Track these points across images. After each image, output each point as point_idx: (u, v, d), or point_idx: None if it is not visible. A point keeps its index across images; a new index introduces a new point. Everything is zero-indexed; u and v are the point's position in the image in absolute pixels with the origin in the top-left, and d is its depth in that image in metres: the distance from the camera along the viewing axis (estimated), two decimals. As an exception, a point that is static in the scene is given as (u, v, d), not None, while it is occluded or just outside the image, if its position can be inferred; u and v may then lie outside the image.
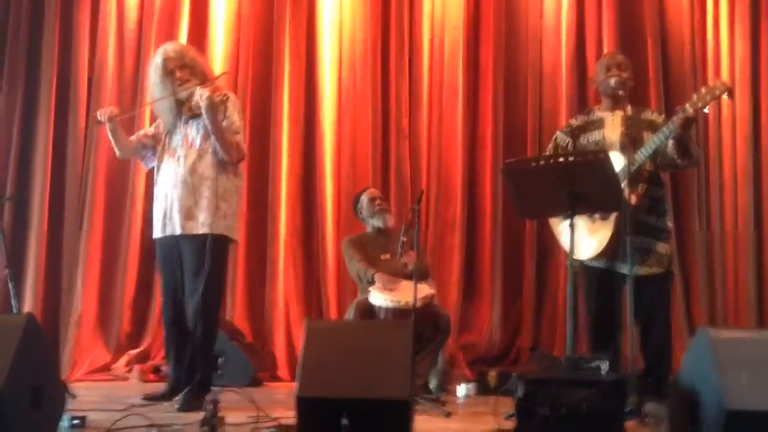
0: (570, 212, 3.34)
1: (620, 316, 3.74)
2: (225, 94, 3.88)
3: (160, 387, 4.15)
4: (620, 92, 3.78)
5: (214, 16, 5.99)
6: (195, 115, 3.87)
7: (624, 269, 3.64)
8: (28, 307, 5.49)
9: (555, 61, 5.87)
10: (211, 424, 2.91)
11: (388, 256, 4.65)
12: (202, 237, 3.77)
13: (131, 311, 5.68)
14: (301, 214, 5.87)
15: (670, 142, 3.60)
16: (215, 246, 3.76)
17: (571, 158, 3.40)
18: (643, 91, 5.54)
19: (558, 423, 2.66)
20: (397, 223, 5.22)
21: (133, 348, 5.57)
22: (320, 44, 5.96)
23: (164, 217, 3.89)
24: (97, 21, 5.92)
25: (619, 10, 5.79)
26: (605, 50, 5.61)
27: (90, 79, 5.89)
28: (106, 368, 5.49)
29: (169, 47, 4.00)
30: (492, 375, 4.81)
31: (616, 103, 3.88)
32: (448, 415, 3.67)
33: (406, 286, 4.28)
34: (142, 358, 5.51)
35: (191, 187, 3.82)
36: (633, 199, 3.61)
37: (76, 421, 3.04)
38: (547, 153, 4.12)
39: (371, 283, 4.44)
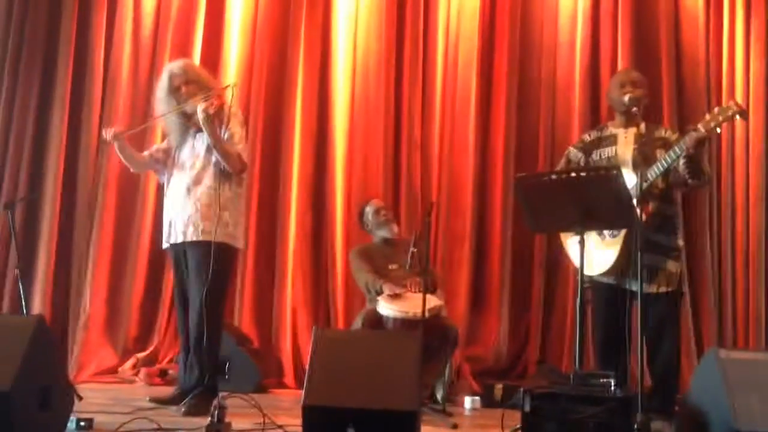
0: (581, 227, 3.33)
1: (629, 333, 3.72)
2: (220, 105, 3.95)
3: (168, 390, 4.17)
4: (634, 109, 3.77)
5: (229, 24, 6.02)
6: (201, 129, 3.95)
7: (633, 286, 3.63)
8: (36, 308, 5.52)
9: (569, 76, 5.87)
10: (217, 429, 2.92)
11: (395, 266, 4.66)
12: (205, 245, 3.84)
13: (139, 314, 5.70)
14: (311, 221, 5.88)
15: (681, 162, 3.58)
16: (217, 253, 3.82)
17: (583, 173, 3.39)
18: (657, 108, 5.53)
19: (565, 439, 2.65)
20: (405, 233, 5.24)
21: (140, 351, 5.59)
22: (334, 53, 5.99)
23: (170, 226, 3.99)
24: (113, 26, 5.95)
25: (634, 26, 5.79)
26: (619, 66, 5.62)
27: (104, 84, 5.92)
28: (113, 371, 5.50)
29: (173, 65, 4.12)
30: (498, 388, 4.80)
31: (629, 120, 3.87)
32: (454, 426, 3.65)
33: (415, 297, 4.28)
34: (149, 361, 5.52)
35: (195, 196, 3.92)
36: (643, 217, 3.59)
37: (83, 423, 3.04)
38: (560, 168, 4.11)
39: (379, 293, 4.44)
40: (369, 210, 4.88)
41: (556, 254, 5.27)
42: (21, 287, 4.56)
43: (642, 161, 3.56)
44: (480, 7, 5.93)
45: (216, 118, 3.87)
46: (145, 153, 4.24)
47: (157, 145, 4.22)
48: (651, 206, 3.72)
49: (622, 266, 3.71)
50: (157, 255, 5.51)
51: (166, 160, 4.12)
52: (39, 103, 5.88)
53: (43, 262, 5.69)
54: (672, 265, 3.78)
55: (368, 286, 4.58)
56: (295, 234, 5.81)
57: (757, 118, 5.71)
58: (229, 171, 3.92)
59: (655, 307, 3.66)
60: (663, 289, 3.74)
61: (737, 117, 3.47)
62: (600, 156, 3.95)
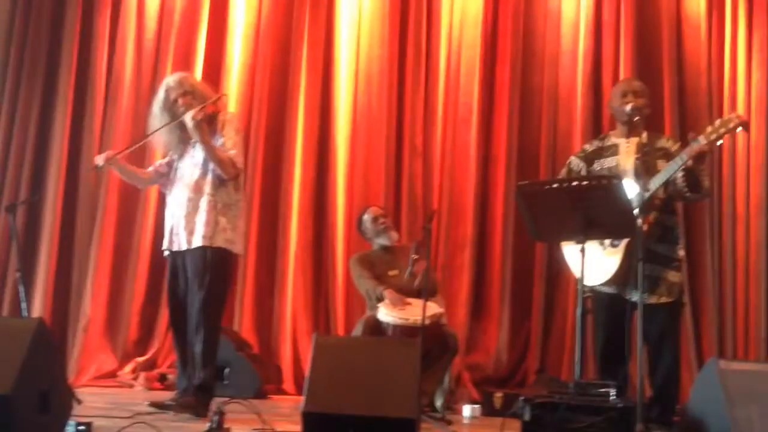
0: (582, 237, 3.33)
1: (629, 343, 3.72)
2: (214, 113, 4.01)
3: (167, 395, 4.16)
4: (635, 119, 3.77)
5: (232, 28, 6.04)
6: None
7: (634, 296, 3.62)
8: (37, 311, 5.52)
9: (571, 85, 5.88)
10: (216, 435, 2.92)
11: (396, 272, 4.66)
12: (202, 250, 3.89)
13: (139, 319, 5.70)
14: (312, 227, 5.89)
15: (680, 174, 3.57)
16: (214, 259, 3.87)
17: (584, 182, 3.39)
18: (659, 118, 5.53)
19: (564, 448, 2.65)
20: (406, 240, 5.24)
21: (139, 355, 5.59)
22: (337, 59, 6.00)
23: (171, 233, 4.04)
24: (116, 30, 5.98)
25: (636, 36, 5.80)
26: (621, 76, 5.63)
27: (107, 88, 5.94)
28: (112, 375, 5.50)
29: (170, 78, 4.17)
30: (498, 396, 4.79)
31: (631, 130, 3.86)
32: (453, 435, 3.66)
33: (415, 304, 4.28)
34: (149, 365, 5.53)
35: (193, 203, 3.97)
36: (644, 227, 3.59)
37: (81, 427, 3.02)
38: (561, 177, 4.11)
39: (380, 300, 4.45)
40: (367, 218, 4.89)
41: (557, 263, 5.26)
42: (22, 290, 4.57)
43: (643, 171, 3.55)
44: (482, 15, 5.94)
45: (208, 125, 3.93)
46: (150, 168, 4.30)
47: (161, 160, 4.26)
48: (651, 216, 3.71)
49: (623, 276, 3.71)
50: (157, 259, 5.49)
51: (170, 173, 4.17)
52: (41, 106, 5.89)
53: (44, 265, 5.70)
54: (673, 276, 3.77)
55: (369, 293, 4.58)
56: (296, 240, 5.82)
57: (759, 129, 5.70)
58: (223, 177, 3.97)
59: (656, 318, 3.65)
60: (664, 300, 3.73)
61: (739, 129, 3.47)
62: (601, 166, 3.94)
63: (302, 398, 2.72)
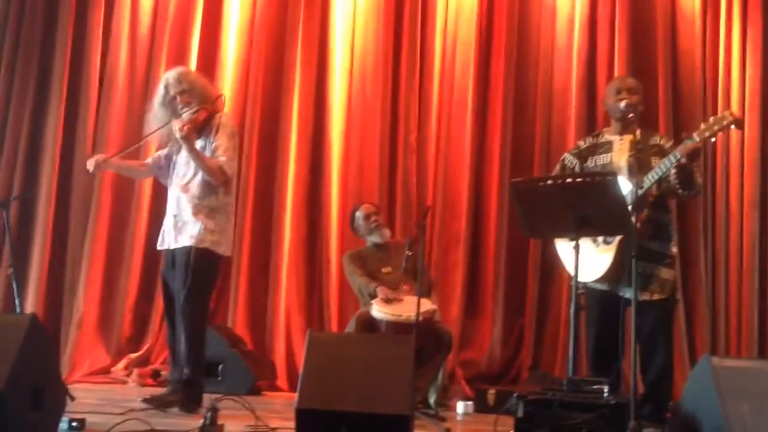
0: (576, 233, 3.34)
1: (622, 340, 3.73)
2: (207, 117, 4.01)
3: (160, 391, 4.16)
4: (630, 116, 3.78)
5: (227, 23, 6.03)
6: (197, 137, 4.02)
7: (627, 293, 3.63)
8: (30, 306, 5.51)
9: (565, 81, 5.88)
10: (209, 431, 2.92)
11: (389, 269, 4.66)
12: (187, 250, 3.94)
13: (132, 315, 5.69)
14: (306, 223, 5.88)
15: (673, 171, 3.58)
16: (198, 259, 3.91)
17: (578, 179, 3.40)
18: (653, 115, 5.54)
19: (557, 445, 2.65)
20: (400, 236, 5.23)
21: (133, 352, 5.58)
22: (332, 54, 5.99)
23: (164, 232, 4.10)
24: (110, 25, 5.96)
25: (631, 33, 5.80)
26: (616, 73, 5.63)
27: (101, 83, 5.92)
28: (105, 371, 5.49)
29: (170, 74, 4.17)
30: (491, 393, 4.79)
31: (625, 127, 3.87)
32: (447, 431, 3.65)
33: (408, 300, 4.29)
34: (142, 362, 5.52)
35: (183, 204, 4.01)
36: (637, 225, 3.59)
37: (75, 424, 3.03)
38: (555, 174, 4.11)
39: (373, 296, 4.44)
40: (359, 215, 4.89)
41: (551, 260, 5.27)
42: (15, 286, 4.56)
43: (637, 168, 3.56)
44: (477, 11, 5.93)
45: (203, 126, 3.97)
46: (148, 160, 4.34)
47: (160, 151, 4.25)
48: (645, 213, 3.72)
49: (616, 273, 3.71)
50: (151, 255, 5.50)
51: (169, 165, 4.19)
52: (35, 102, 5.87)
53: (37, 261, 5.68)
54: (666, 273, 3.78)
55: (362, 290, 4.59)
56: (290, 236, 5.81)
57: (752, 126, 5.72)
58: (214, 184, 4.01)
59: (649, 315, 3.66)
60: (657, 297, 3.74)
61: (732, 127, 3.48)
62: (595, 163, 3.95)
63: (296, 395, 2.72)
